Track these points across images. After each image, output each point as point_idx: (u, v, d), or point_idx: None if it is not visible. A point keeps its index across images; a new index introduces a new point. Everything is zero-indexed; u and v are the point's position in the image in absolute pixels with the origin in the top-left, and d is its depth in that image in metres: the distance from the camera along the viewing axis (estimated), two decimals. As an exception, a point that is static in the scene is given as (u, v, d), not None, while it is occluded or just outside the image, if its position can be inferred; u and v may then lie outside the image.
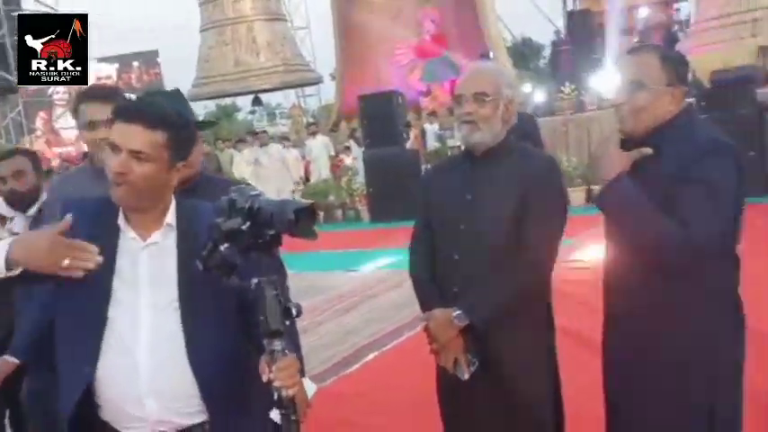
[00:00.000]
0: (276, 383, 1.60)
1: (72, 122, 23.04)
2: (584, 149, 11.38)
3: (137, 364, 1.72)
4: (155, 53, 25.72)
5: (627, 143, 2.17)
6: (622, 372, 2.22)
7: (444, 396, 2.45)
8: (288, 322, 1.62)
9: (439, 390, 2.46)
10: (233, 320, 1.70)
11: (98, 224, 1.77)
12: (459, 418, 2.39)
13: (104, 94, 2.64)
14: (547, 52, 23.53)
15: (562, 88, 13.87)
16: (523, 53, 26.00)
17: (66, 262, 1.60)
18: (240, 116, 35.19)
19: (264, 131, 16.79)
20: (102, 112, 2.53)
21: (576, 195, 10.73)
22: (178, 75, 25.12)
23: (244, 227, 1.57)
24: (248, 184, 2.09)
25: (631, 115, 2.13)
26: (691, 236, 1.94)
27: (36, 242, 1.64)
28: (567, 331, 3.57)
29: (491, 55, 17.89)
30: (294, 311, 1.63)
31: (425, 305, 2.37)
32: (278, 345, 1.61)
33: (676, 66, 2.14)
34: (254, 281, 1.59)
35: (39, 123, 21.85)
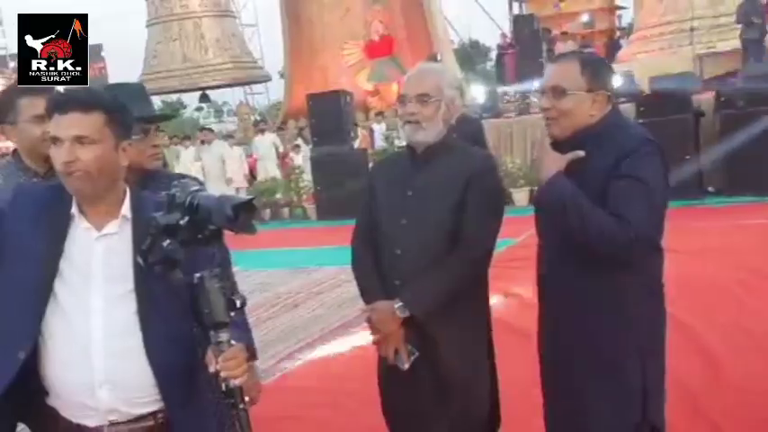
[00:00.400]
0: (223, 374, 1.64)
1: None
2: (528, 151, 11.63)
3: (88, 352, 1.73)
4: (99, 47, 25.10)
5: (556, 146, 2.28)
6: (559, 359, 2.33)
7: (385, 385, 2.52)
8: (233, 313, 1.66)
9: (379, 379, 2.53)
10: (187, 310, 1.70)
11: (48, 210, 1.78)
12: (398, 406, 2.46)
13: (43, 88, 2.62)
14: (493, 55, 23.86)
15: (507, 90, 14.13)
16: (470, 55, 26.33)
17: None
18: (187, 113, 34.72)
19: (210, 129, 16.64)
20: (41, 105, 2.51)
21: (520, 196, 10.95)
22: (123, 69, 24.65)
23: (182, 222, 1.60)
24: (194, 179, 2.12)
25: (556, 120, 2.25)
26: (633, 231, 2.06)
27: None
28: (505, 325, 3.69)
29: (438, 57, 18.07)
30: (238, 303, 1.67)
31: (368, 297, 2.43)
32: (224, 336, 1.66)
33: (597, 71, 2.25)
34: (197, 275, 1.63)
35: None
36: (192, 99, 29.95)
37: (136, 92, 2.44)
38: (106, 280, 1.77)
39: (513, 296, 5.61)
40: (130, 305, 1.76)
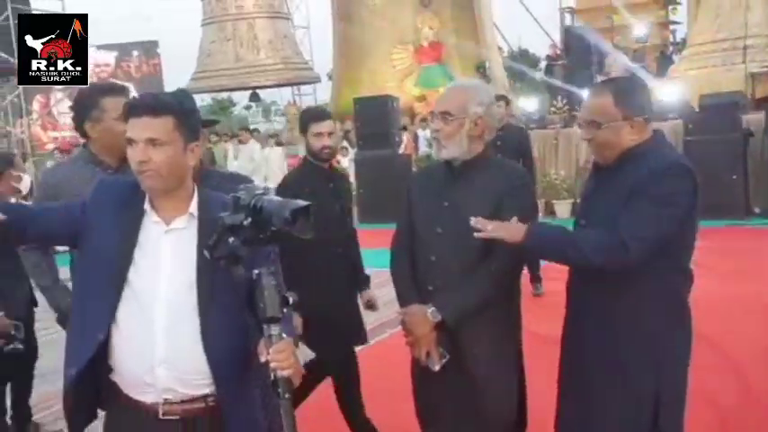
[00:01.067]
0: (272, 365, 1.77)
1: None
2: (572, 163, 11.62)
3: (152, 334, 1.90)
4: (155, 43, 25.65)
5: (599, 168, 2.41)
6: (576, 365, 2.43)
7: (417, 384, 2.65)
8: (285, 309, 1.80)
9: (413, 378, 2.66)
10: (243, 304, 1.84)
11: (125, 204, 1.95)
12: (430, 405, 2.59)
13: (122, 88, 2.87)
14: (543, 65, 23.74)
15: (554, 102, 14.10)
16: (520, 64, 26.22)
17: None
18: (236, 111, 35.25)
19: (247, 129, 16.92)
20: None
21: (562, 208, 10.96)
22: (177, 66, 25.19)
23: (245, 222, 1.75)
24: (246, 178, 2.28)
25: (597, 150, 2.39)
26: (622, 234, 2.20)
27: None
28: (536, 334, 3.78)
29: (487, 65, 18.11)
30: (291, 300, 1.81)
31: (403, 301, 2.56)
32: (275, 330, 1.79)
33: (632, 98, 2.34)
34: (256, 271, 1.78)
35: (36, 107, 21.83)
36: (241, 97, 30.46)
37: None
38: (172, 270, 1.94)
39: (545, 307, 5.68)
40: (192, 294, 1.92)
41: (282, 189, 3.40)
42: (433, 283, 2.48)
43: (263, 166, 14.37)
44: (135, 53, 25.35)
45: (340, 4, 21.95)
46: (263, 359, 1.80)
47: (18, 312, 3.91)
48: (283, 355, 1.78)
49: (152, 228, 1.96)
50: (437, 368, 2.44)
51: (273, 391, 1.79)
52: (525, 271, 4.61)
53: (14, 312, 3.86)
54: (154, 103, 1.91)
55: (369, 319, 6.26)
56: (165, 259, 1.95)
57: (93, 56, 25.53)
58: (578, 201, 10.08)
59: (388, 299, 6.92)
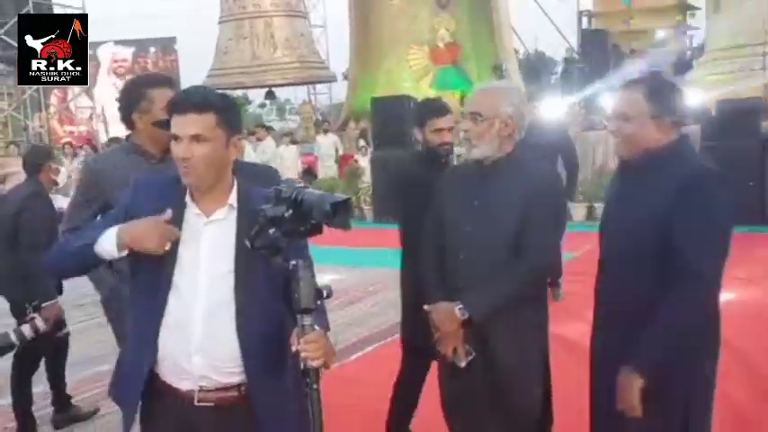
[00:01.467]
0: (303, 354, 1.82)
1: (88, 102, 23.19)
2: (588, 167, 11.60)
3: (191, 322, 1.96)
4: (172, 40, 25.86)
5: (624, 164, 2.43)
6: (607, 372, 2.44)
7: (443, 381, 2.68)
8: (319, 302, 1.84)
9: (439, 374, 2.69)
10: (279, 294, 1.90)
11: (166, 200, 2.00)
12: (455, 401, 2.62)
13: (167, 79, 2.92)
14: (559, 68, 23.71)
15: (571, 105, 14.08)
16: (536, 67, 26.21)
17: (168, 245, 1.92)
18: (250, 109, 35.36)
19: (263, 126, 16.97)
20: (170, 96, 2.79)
21: (578, 211, 10.94)
22: (194, 63, 25.33)
23: (286, 215, 1.80)
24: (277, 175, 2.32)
25: (622, 143, 2.40)
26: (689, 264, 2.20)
27: (147, 230, 1.92)
28: (559, 338, 3.80)
29: (504, 66, 18.10)
30: (325, 293, 1.85)
31: (431, 298, 2.60)
32: (308, 320, 1.84)
33: (664, 98, 2.36)
34: (293, 262, 1.82)
35: (53, 101, 22.03)
36: (256, 95, 30.56)
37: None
38: (211, 260, 1.99)
39: (569, 309, 5.71)
40: (229, 284, 1.97)
41: (399, 185, 3.38)
42: (462, 281, 2.51)
43: (273, 164, 14.43)
44: (152, 49, 25.57)
45: (357, 4, 21.97)
46: (294, 348, 1.84)
47: (48, 298, 4.06)
48: (314, 345, 1.82)
49: (193, 220, 2.01)
50: (463, 365, 2.47)
51: (303, 381, 1.82)
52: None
53: (44, 298, 4.01)
54: (197, 100, 1.95)
55: (378, 320, 6.37)
56: (205, 250, 2.00)
57: (111, 51, 25.77)
58: (593, 204, 10.05)
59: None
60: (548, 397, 2.63)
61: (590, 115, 13.54)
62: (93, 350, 4.63)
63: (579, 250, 6.95)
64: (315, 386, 1.84)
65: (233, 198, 2.03)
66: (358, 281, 7.75)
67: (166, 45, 25.75)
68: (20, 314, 4.11)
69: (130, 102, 2.85)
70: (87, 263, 2.03)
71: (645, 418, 2.29)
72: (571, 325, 5.00)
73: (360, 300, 6.87)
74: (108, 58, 25.42)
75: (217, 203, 2.02)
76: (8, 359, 4.01)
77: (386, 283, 7.75)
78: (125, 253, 1.95)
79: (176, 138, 1.95)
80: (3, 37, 17.99)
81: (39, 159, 4.19)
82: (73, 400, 4.51)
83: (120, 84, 25.11)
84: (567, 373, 3.12)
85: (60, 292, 4.19)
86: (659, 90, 2.39)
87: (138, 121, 2.84)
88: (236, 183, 2.06)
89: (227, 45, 23.00)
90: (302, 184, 1.83)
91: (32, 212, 4.06)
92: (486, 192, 2.54)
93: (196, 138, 1.93)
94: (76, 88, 21.30)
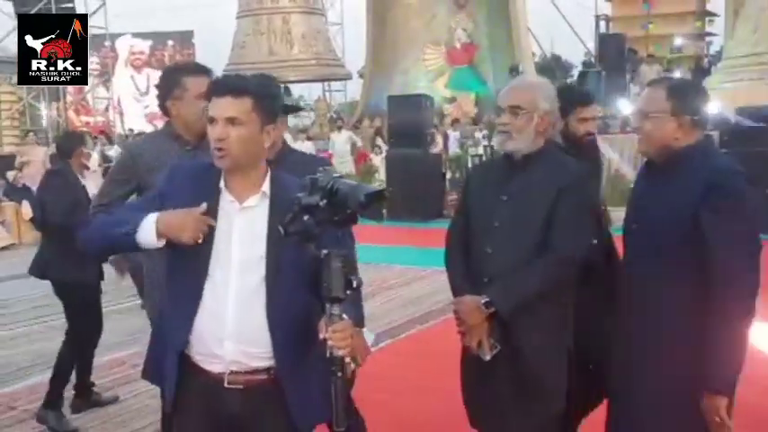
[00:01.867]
0: (330, 343, 1.83)
1: (104, 93, 23.30)
2: (603, 171, 11.57)
3: (225, 310, 1.99)
4: (190, 33, 25.99)
5: (649, 162, 2.45)
6: (629, 374, 2.45)
7: (466, 374, 2.69)
8: (349, 291, 1.86)
9: (462, 368, 2.71)
10: (309, 281, 1.91)
11: (201, 186, 2.04)
12: (478, 394, 2.63)
13: (203, 68, 2.95)
14: (575, 71, 23.67)
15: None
16: (552, 70, 26.16)
17: (201, 238, 1.96)
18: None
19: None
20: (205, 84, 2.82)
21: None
22: (210, 57, 25.43)
23: (321, 203, 1.81)
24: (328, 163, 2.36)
25: (642, 140, 2.42)
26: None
27: (183, 221, 1.97)
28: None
29: (520, 68, 18.08)
30: (355, 283, 1.87)
31: (457, 291, 2.61)
32: (336, 309, 1.85)
33: (685, 97, 2.37)
34: (324, 251, 1.84)
35: (70, 90, 22.18)
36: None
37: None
38: (243, 247, 2.02)
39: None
40: (260, 270, 2.00)
41: None
42: (488, 275, 2.52)
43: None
44: (170, 42, 25.69)
45: (374, 2, 22.03)
46: (321, 336, 1.86)
47: (89, 279, 4.23)
48: (341, 334, 1.83)
49: (227, 206, 2.04)
50: (488, 358, 2.48)
51: (328, 369, 1.84)
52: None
53: (87, 279, 4.19)
54: (235, 84, 1.99)
55: (395, 316, 6.41)
56: (237, 236, 2.02)
57: (129, 43, 25.93)
58: (606, 208, 10.04)
59: (416, 296, 7.06)
60: (572, 392, 2.63)
61: (606, 119, 13.49)
62: (111, 336, 4.69)
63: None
64: (339, 374, 1.85)
65: (266, 185, 2.06)
66: (370, 278, 7.77)
67: (184, 38, 25.86)
68: (66, 295, 4.27)
69: (166, 89, 2.90)
70: (127, 249, 2.08)
71: (665, 419, 2.31)
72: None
73: (372, 297, 6.89)
74: (126, 50, 25.57)
75: (250, 190, 2.04)
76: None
77: (398, 280, 7.82)
78: (163, 242, 1.98)
79: (212, 120, 1.98)
80: (23, 26, 18.08)
81: (72, 144, 4.32)
82: (97, 383, 4.59)
83: (137, 76, 25.39)
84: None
85: (102, 278, 4.33)
86: (681, 88, 2.40)
87: (171, 107, 2.88)
88: (269, 170, 2.09)
89: (245, 40, 23.09)
90: (338, 174, 1.84)
91: (51, 190, 4.23)
92: (515, 187, 2.55)
93: (231, 120, 1.96)
94: (95, 79, 21.48)
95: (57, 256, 4.23)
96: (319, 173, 1.85)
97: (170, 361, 2.07)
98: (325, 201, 1.80)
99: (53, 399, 4.19)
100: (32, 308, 6.98)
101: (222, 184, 2.05)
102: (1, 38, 19.26)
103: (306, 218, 1.82)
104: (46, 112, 19.24)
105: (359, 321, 2.63)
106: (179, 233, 1.95)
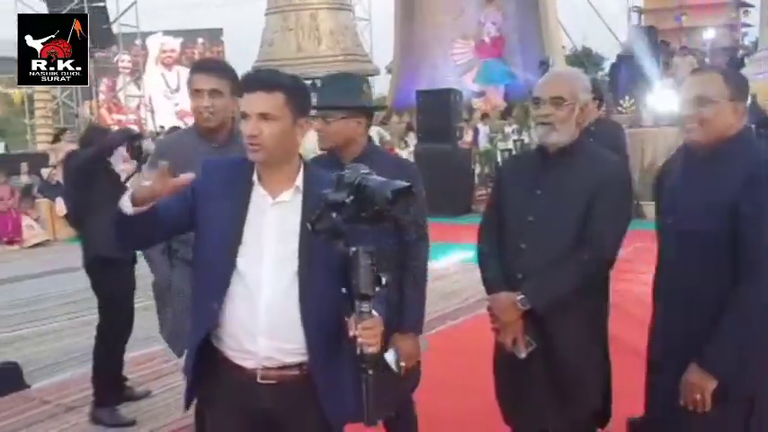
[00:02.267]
0: (359, 340, 1.81)
1: (136, 91, 23.61)
2: (637, 164, 11.39)
3: (256, 304, 1.98)
4: (219, 31, 26.22)
5: (691, 152, 2.37)
6: (669, 374, 2.38)
7: (499, 371, 2.65)
8: (378, 288, 1.82)
9: (495, 365, 2.67)
10: (340, 277, 1.88)
11: (234, 180, 2.03)
12: (513, 392, 2.59)
13: (208, 66, 2.94)
14: (606, 64, 23.36)
15: (621, 101, 13.85)
16: (582, 63, 25.84)
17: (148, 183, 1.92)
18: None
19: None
20: (203, 82, 2.82)
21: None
22: (239, 54, 25.55)
23: (347, 200, 1.78)
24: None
25: (698, 128, 2.30)
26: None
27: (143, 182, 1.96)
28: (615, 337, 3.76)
29: (550, 61, 17.89)
30: (384, 280, 1.84)
31: (490, 288, 2.57)
32: (365, 307, 1.81)
33: (738, 83, 2.32)
34: (353, 248, 1.80)
35: (103, 88, 22.49)
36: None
37: (352, 80, 2.81)
38: (275, 241, 2.00)
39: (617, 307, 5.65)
40: (293, 265, 1.98)
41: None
42: (523, 271, 2.47)
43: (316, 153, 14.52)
44: (200, 40, 25.93)
45: (404, -1, 21.95)
46: (351, 333, 1.84)
47: (125, 278, 4.29)
48: (370, 332, 1.81)
49: (259, 201, 2.03)
50: (523, 356, 2.44)
51: (359, 366, 1.82)
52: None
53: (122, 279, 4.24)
54: (267, 79, 1.99)
55: (428, 310, 6.35)
56: (270, 230, 2.01)
57: (160, 41, 26.21)
58: (639, 202, 9.90)
59: (446, 291, 7.00)
60: (607, 390, 2.58)
61: (638, 112, 13.28)
62: (141, 332, 4.72)
63: (626, 248, 6.84)
64: (370, 371, 1.82)
65: (299, 180, 2.05)
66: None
67: (214, 36, 26.09)
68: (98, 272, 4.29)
69: None
70: (126, 226, 1.99)
71: (706, 417, 2.23)
72: (618, 323, 4.94)
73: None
74: (156, 48, 25.86)
75: (283, 185, 2.03)
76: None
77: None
78: (140, 208, 1.91)
79: (245, 115, 1.98)
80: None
81: (92, 135, 4.49)
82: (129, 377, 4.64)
83: (168, 73, 25.62)
84: (620, 366, 3.07)
85: (135, 260, 4.36)
86: (735, 75, 2.37)
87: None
88: (302, 165, 2.08)
89: (273, 37, 23.16)
90: (367, 171, 1.81)
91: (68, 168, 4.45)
92: (550, 181, 2.50)
93: (264, 116, 1.95)
94: (127, 77, 21.76)
95: (90, 236, 4.27)
96: (347, 169, 1.82)
97: (191, 355, 2.08)
98: (351, 198, 1.77)
99: (100, 396, 4.24)
100: (64, 303, 7.09)
101: (255, 177, 2.04)
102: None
103: (333, 215, 1.79)
104: (79, 110, 19.50)
105: (416, 326, 2.67)
106: (147, 187, 1.92)
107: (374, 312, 1.84)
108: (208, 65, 2.96)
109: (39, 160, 14.51)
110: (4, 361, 5.03)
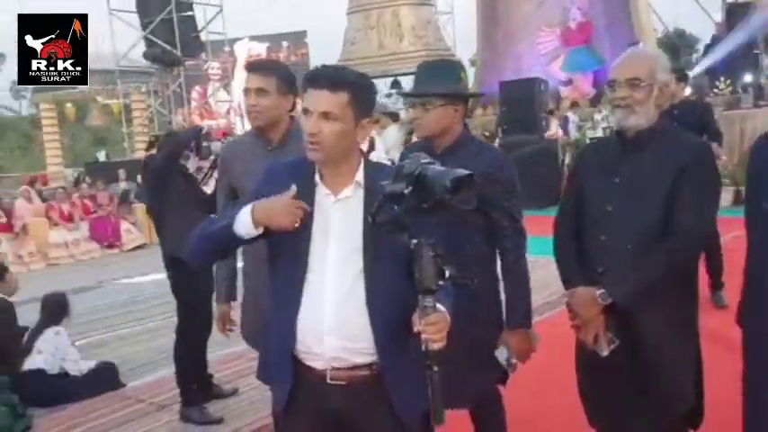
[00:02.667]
0: (424, 336, 1.74)
1: (226, 97, 24.30)
2: (736, 148, 10.82)
3: (322, 304, 1.94)
4: (303, 34, 26.69)
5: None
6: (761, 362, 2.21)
7: (582, 369, 2.52)
8: (441, 282, 1.75)
9: (577, 363, 2.54)
10: (406, 272, 1.81)
11: (296, 181, 1.98)
12: (596, 391, 2.46)
13: (255, 66, 2.93)
14: (701, 46, 22.31)
15: (717, 83, 13.19)
16: (675, 45, 24.79)
17: (298, 221, 1.91)
18: (378, 99, 35.74)
19: (387, 113, 17.03)
20: (250, 81, 2.84)
21: (724, 195, 10.23)
22: (323, 55, 25.90)
23: (405, 191, 1.71)
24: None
25: None
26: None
27: (277, 206, 1.91)
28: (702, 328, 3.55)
29: (640, 45, 17.23)
30: (447, 273, 1.76)
31: (569, 283, 2.44)
32: (429, 301, 1.75)
33: None
34: (414, 241, 1.74)
35: (194, 96, 23.27)
36: (382, 85, 30.82)
37: (447, 67, 2.75)
38: (340, 239, 1.96)
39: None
40: (358, 262, 1.94)
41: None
42: (603, 265, 2.33)
43: (396, 151, 14.54)
44: (285, 44, 26.45)
45: (486, -10, 21.64)
46: (415, 329, 1.78)
47: (202, 280, 4.27)
48: (434, 327, 1.75)
49: (323, 200, 2.00)
50: (605, 353, 2.30)
51: (424, 362, 1.76)
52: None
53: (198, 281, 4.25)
54: (333, 77, 1.93)
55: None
56: (334, 229, 1.98)
57: (247, 46, 26.90)
58: (739, 188, 9.37)
59: (531, 286, 6.81)
60: (699, 387, 2.41)
61: (734, 94, 12.61)
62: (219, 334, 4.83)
63: (725, 237, 6.47)
64: (435, 368, 1.77)
65: (359, 176, 2.00)
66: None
67: (298, 38, 26.56)
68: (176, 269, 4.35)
69: None
70: (228, 244, 2.04)
71: None
72: (715, 315, 4.66)
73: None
74: (244, 53, 26.52)
75: (344, 182, 2.00)
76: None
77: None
78: (261, 230, 1.94)
79: (306, 111, 1.94)
80: (148, 36, 19.07)
81: (167, 140, 4.74)
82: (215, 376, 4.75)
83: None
84: (712, 364, 2.88)
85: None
86: None
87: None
88: (362, 161, 2.03)
89: (355, 36, 23.31)
90: (428, 160, 1.73)
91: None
92: (629, 168, 2.35)
93: (325, 115, 1.91)
94: (216, 83, 22.39)
95: (166, 237, 4.36)
96: (407, 159, 1.75)
97: (281, 363, 2.05)
98: (410, 188, 1.70)
99: (187, 395, 4.35)
100: (159, 304, 7.33)
101: (317, 177, 2.01)
102: (127, 49, 20.38)
103: (394, 207, 1.73)
104: (172, 117, 20.23)
105: (524, 320, 2.64)
106: (275, 217, 1.90)
107: (439, 306, 1.78)
108: (255, 64, 2.96)
109: (136, 167, 15.11)
110: (101, 361, 5.24)
